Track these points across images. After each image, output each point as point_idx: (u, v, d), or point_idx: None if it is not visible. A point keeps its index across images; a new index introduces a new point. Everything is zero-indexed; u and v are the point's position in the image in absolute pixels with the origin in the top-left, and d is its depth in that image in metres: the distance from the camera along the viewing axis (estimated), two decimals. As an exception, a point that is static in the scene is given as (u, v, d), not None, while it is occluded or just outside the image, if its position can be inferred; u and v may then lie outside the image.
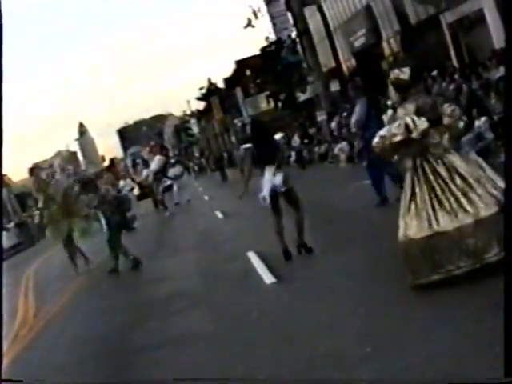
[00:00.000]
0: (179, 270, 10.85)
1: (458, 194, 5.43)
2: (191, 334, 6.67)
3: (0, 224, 22.31)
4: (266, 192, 8.35)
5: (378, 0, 29.60)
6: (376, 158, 7.77)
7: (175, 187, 24.78)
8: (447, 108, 5.81)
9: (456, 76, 19.25)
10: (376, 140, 5.89)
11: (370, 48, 31.75)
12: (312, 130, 31.73)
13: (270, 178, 8.33)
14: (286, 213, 8.67)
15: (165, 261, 11.81)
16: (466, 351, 4.13)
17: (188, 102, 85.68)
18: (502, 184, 5.49)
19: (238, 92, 59.94)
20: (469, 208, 5.36)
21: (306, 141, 29.72)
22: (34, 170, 15.63)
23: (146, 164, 32.32)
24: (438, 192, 5.49)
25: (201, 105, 78.54)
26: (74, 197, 15.55)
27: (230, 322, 6.62)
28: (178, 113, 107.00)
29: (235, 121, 63.10)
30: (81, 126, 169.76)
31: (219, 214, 17.03)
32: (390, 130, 5.73)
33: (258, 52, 45.21)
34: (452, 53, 24.26)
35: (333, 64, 37.50)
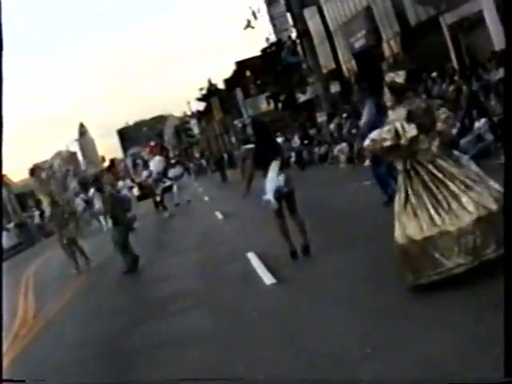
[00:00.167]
0: (179, 270, 10.85)
1: (455, 193, 5.45)
2: (191, 334, 6.68)
3: (0, 224, 22.33)
4: (270, 194, 8.27)
5: (378, 1, 29.63)
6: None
7: (175, 188, 24.80)
8: (441, 114, 5.81)
9: (456, 77, 19.28)
10: (367, 143, 5.93)
11: (370, 49, 31.77)
12: (312, 131, 31.75)
13: (274, 180, 8.27)
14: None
15: (165, 261, 11.83)
16: (466, 351, 4.13)
17: (188, 102, 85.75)
18: (496, 185, 5.56)
19: (238, 93, 59.94)
20: (467, 207, 5.38)
21: (306, 142, 29.74)
22: (34, 171, 15.82)
23: (146, 165, 32.43)
24: (435, 192, 5.51)
25: (201, 105, 78.58)
26: (64, 199, 15.74)
27: (229, 323, 6.63)
28: (178, 113, 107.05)
29: (235, 121, 63.13)
30: (81, 126, 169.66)
31: (219, 215, 17.05)
32: (381, 134, 5.76)
33: (258, 53, 45.29)
34: (452, 54, 24.28)
35: (333, 65, 37.52)
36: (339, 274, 7.12)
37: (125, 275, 11.76)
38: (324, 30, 37.31)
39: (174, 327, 7.16)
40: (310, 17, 37.00)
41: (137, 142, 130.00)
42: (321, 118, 31.27)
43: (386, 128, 5.75)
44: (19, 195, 50.18)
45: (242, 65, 59.13)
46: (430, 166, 5.61)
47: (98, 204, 24.71)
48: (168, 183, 24.50)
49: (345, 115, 27.67)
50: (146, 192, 28.95)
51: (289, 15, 37.71)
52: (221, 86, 69.54)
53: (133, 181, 34.30)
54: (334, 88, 35.63)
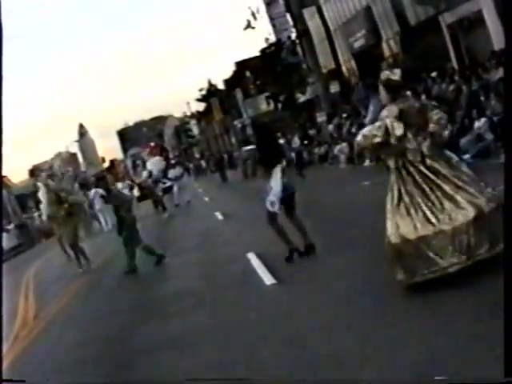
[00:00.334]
0: (179, 271, 10.85)
1: (448, 193, 5.47)
2: (191, 334, 6.68)
3: (0, 225, 22.34)
4: (275, 197, 8.22)
5: (377, 1, 29.62)
6: None
7: (175, 188, 24.81)
8: (434, 115, 5.82)
9: (456, 77, 19.28)
10: (359, 138, 5.96)
11: (369, 49, 31.77)
12: (312, 131, 31.76)
13: (279, 181, 8.23)
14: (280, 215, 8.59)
15: (165, 262, 11.81)
16: (466, 351, 4.13)
17: (188, 103, 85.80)
18: (488, 187, 5.62)
19: (238, 93, 59.97)
20: (461, 206, 5.40)
21: (305, 142, 29.76)
22: (33, 172, 15.74)
23: (146, 165, 32.40)
24: (428, 192, 5.53)
25: (201, 106, 78.65)
26: (72, 197, 15.53)
27: (230, 323, 6.62)
28: (178, 114, 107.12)
29: (235, 122, 63.17)
30: (81, 127, 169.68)
31: (219, 215, 17.05)
32: (372, 131, 5.78)
33: (257, 53, 45.32)
34: (451, 54, 24.27)
35: (332, 65, 37.51)
36: (339, 274, 7.12)
37: (125, 275, 11.68)
38: (323, 30, 37.29)
39: (174, 328, 7.15)
40: (310, 17, 37.00)
41: (137, 142, 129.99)
42: (320, 118, 31.28)
43: (377, 124, 5.78)
44: (19, 196, 50.19)
45: (241, 65, 59.17)
46: (421, 167, 5.63)
47: (98, 205, 24.76)
48: (168, 184, 24.50)
49: (345, 115, 27.70)
50: (145, 193, 28.95)
51: (288, 15, 37.75)
52: (220, 86, 69.63)
53: (132, 181, 34.29)
54: (334, 88, 35.60)
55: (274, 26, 44.62)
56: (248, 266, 9.07)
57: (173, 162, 34.81)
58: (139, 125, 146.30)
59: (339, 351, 4.86)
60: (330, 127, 28.09)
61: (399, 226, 5.54)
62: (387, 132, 5.64)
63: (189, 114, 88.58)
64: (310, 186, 16.95)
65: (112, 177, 31.29)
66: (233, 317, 6.84)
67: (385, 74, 5.96)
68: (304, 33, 33.84)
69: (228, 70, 76.87)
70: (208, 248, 12.52)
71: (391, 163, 5.77)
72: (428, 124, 5.75)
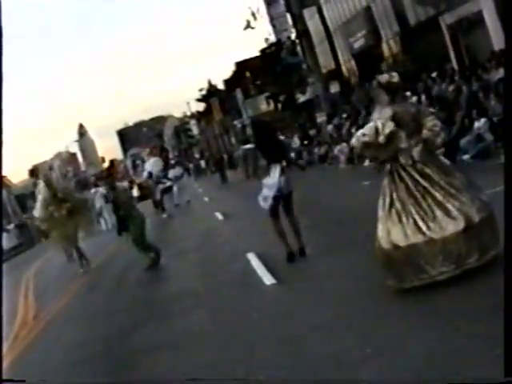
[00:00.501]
0: (179, 270, 10.85)
1: (440, 202, 5.51)
2: (191, 334, 6.68)
3: (0, 225, 22.31)
4: (270, 193, 8.22)
5: (377, 1, 29.63)
6: None
7: (175, 188, 24.80)
8: (429, 121, 5.82)
9: (456, 77, 19.28)
10: (353, 140, 6.00)
11: (369, 49, 31.78)
12: (312, 132, 31.75)
13: (277, 179, 8.23)
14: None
15: (165, 262, 11.81)
16: (466, 351, 4.13)
17: (188, 103, 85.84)
18: (480, 193, 5.68)
19: (238, 93, 59.96)
20: (452, 216, 5.44)
21: (305, 142, 29.75)
22: (33, 172, 15.63)
23: (146, 165, 32.36)
24: (419, 199, 5.56)
25: (201, 106, 78.63)
26: (76, 195, 15.43)
27: (229, 323, 6.63)
28: (177, 114, 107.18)
29: (235, 122, 63.14)
30: (81, 127, 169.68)
31: (219, 216, 17.05)
32: (363, 131, 5.80)
33: (257, 53, 45.30)
34: (451, 54, 24.28)
35: (332, 65, 37.53)
36: (339, 275, 7.12)
37: (147, 271, 11.42)
38: (324, 30, 37.32)
39: (174, 327, 7.15)
40: (310, 17, 37.01)
41: (136, 142, 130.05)
42: (320, 118, 31.27)
43: (369, 125, 5.82)
44: (19, 196, 50.14)
45: (241, 65, 59.16)
46: (414, 173, 5.65)
47: (98, 204, 24.74)
48: (168, 184, 24.50)
49: (344, 115, 27.70)
50: (145, 193, 28.95)
51: (288, 15, 37.74)
52: (220, 86, 69.61)
53: (131, 182, 34.28)
54: (334, 88, 35.63)
55: (274, 26, 44.62)
56: (248, 266, 9.07)
57: (173, 162, 34.81)
58: (139, 125, 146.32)
59: (339, 351, 4.86)
60: (330, 127, 28.09)
61: (390, 233, 5.60)
62: (377, 132, 5.66)
63: (189, 114, 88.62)
64: (310, 185, 16.95)
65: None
66: (233, 317, 6.84)
67: (384, 77, 5.99)
68: (304, 33, 33.84)
69: (228, 70, 76.84)
70: (208, 248, 12.52)
71: (387, 167, 5.78)
72: (421, 130, 5.77)
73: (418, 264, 5.44)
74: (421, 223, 5.47)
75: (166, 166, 26.68)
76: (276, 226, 8.48)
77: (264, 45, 42.47)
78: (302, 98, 40.11)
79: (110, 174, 14.31)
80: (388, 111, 5.77)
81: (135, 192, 32.50)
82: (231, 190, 27.95)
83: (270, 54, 41.80)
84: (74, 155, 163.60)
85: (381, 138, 5.64)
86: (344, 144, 22.67)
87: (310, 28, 35.98)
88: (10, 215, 44.31)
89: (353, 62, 34.79)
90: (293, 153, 27.97)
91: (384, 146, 5.68)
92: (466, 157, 13.67)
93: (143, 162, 38.91)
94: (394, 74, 6.11)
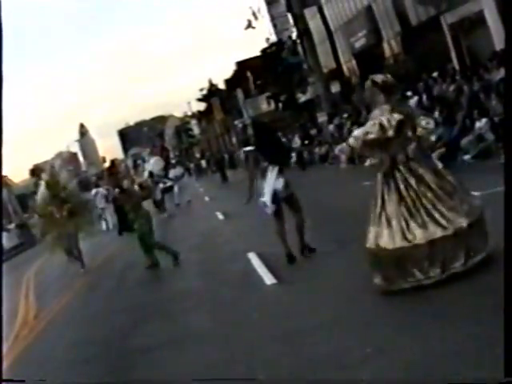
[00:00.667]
0: (180, 270, 10.84)
1: (429, 206, 5.56)
2: (192, 334, 6.68)
3: (0, 225, 22.29)
4: (267, 197, 8.21)
5: (378, 1, 29.62)
6: None
7: (176, 188, 24.80)
8: (422, 119, 5.91)
9: (457, 77, 19.27)
10: (350, 140, 6.00)
11: (370, 49, 31.77)
12: (313, 131, 31.75)
13: (272, 182, 8.21)
14: (287, 215, 8.62)
15: (165, 262, 11.80)
16: (466, 351, 4.13)
17: (189, 103, 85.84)
18: (470, 197, 5.75)
19: (239, 93, 59.97)
20: (440, 221, 5.49)
21: (306, 142, 29.74)
22: (34, 171, 15.55)
23: (147, 165, 32.33)
24: (409, 204, 5.60)
25: (201, 106, 78.65)
26: (78, 196, 15.37)
27: (230, 323, 6.62)
28: (178, 114, 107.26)
29: (236, 122, 63.15)
30: (81, 126, 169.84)
31: (220, 215, 17.05)
32: (364, 130, 5.80)
33: (258, 53, 45.28)
34: (453, 54, 24.27)
35: (333, 65, 37.53)
36: (340, 274, 7.12)
37: (148, 271, 11.25)
38: (325, 30, 37.32)
39: (175, 327, 7.15)
40: (311, 17, 37.00)
41: (137, 142, 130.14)
42: (321, 118, 31.27)
43: (369, 123, 5.82)
44: (20, 196, 50.12)
45: (242, 65, 59.18)
46: (407, 174, 5.68)
47: (99, 204, 24.74)
48: (169, 183, 24.50)
49: (345, 115, 27.68)
50: (145, 192, 28.92)
51: (289, 15, 37.71)
52: (221, 86, 69.63)
53: (132, 181, 34.26)
54: (335, 88, 35.63)
55: (274, 25, 44.62)
56: (248, 265, 9.07)
57: (173, 161, 34.83)
58: (140, 124, 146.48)
59: (340, 351, 4.85)
60: (331, 127, 28.08)
61: (379, 235, 5.66)
62: (382, 128, 5.67)
63: (189, 113, 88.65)
64: (311, 185, 16.94)
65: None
66: (233, 316, 6.84)
67: (379, 78, 6.04)
68: (305, 33, 33.80)
69: (229, 70, 76.79)
70: (208, 248, 12.52)
71: (387, 169, 5.78)
72: (415, 128, 5.82)
73: (405, 267, 5.52)
74: (409, 228, 5.53)
75: (167, 166, 26.69)
76: (276, 227, 8.46)
77: (265, 44, 42.48)
78: (302, 98, 40.11)
79: (113, 173, 14.04)
80: (387, 107, 5.81)
81: (136, 192, 32.45)
82: (232, 190, 27.93)
83: (271, 53, 41.78)
84: (74, 155, 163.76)
85: (390, 132, 5.66)
86: (345, 144, 22.67)
87: (310, 28, 35.94)
88: (10, 215, 44.31)
89: (354, 62, 34.78)
90: (293, 153, 28.01)
91: (392, 140, 5.69)
92: (467, 157, 13.67)
93: (144, 161, 38.88)
94: (388, 75, 6.18)
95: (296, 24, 34.98)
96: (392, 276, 5.60)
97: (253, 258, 9.41)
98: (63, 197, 13.92)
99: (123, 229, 20.24)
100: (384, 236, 5.62)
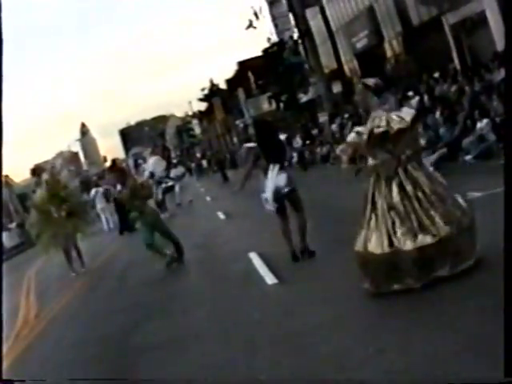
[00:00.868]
0: (180, 270, 10.85)
1: (420, 213, 5.57)
2: (192, 334, 6.68)
3: (0, 224, 22.25)
4: (269, 194, 8.24)
5: (380, 1, 29.60)
6: None
7: (177, 188, 24.81)
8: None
9: (458, 78, 19.26)
10: (352, 135, 6.00)
11: (372, 49, 31.76)
12: (314, 131, 31.75)
13: (273, 179, 8.24)
14: (290, 214, 8.62)
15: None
16: (466, 351, 4.13)
17: (190, 102, 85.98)
18: (460, 201, 5.76)
19: (240, 93, 59.99)
20: (429, 228, 5.51)
21: (307, 142, 29.74)
22: (35, 171, 15.42)
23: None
24: (400, 209, 5.61)
25: (203, 106, 78.72)
26: (77, 196, 15.30)
27: (231, 323, 6.63)
28: (179, 114, 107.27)
29: (237, 122, 63.18)
30: (83, 126, 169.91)
31: (221, 215, 17.06)
32: (373, 124, 5.78)
33: (260, 53, 45.29)
34: (454, 54, 24.26)
35: (335, 65, 37.51)
36: (341, 274, 7.11)
37: (167, 268, 10.92)
38: (326, 30, 37.29)
39: (175, 327, 7.16)
40: (312, 17, 36.99)
41: (138, 142, 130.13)
42: (322, 118, 31.28)
43: (376, 120, 5.78)
44: (21, 195, 50.13)
45: (243, 65, 59.23)
46: (404, 178, 5.68)
47: (99, 204, 24.75)
48: (170, 183, 24.51)
49: (347, 115, 27.67)
50: (146, 192, 28.90)
51: (291, 15, 37.72)
52: (222, 86, 69.68)
53: (133, 181, 34.22)
54: (336, 88, 35.62)
55: (276, 25, 44.64)
56: (250, 265, 9.07)
57: (174, 161, 34.83)
58: (141, 124, 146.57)
59: (341, 351, 4.86)
60: (334, 126, 28.06)
61: (368, 239, 5.69)
62: (388, 124, 5.69)
63: (191, 113, 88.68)
64: (312, 185, 16.93)
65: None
66: (234, 316, 6.84)
67: (369, 81, 6.06)
68: (306, 33, 33.79)
69: (230, 70, 76.83)
70: (210, 247, 12.52)
71: (389, 171, 5.78)
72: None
73: (393, 271, 5.55)
74: (398, 233, 5.55)
75: (168, 166, 26.69)
76: (281, 225, 8.46)
77: (266, 44, 42.49)
78: (304, 98, 40.11)
79: (119, 169, 13.41)
80: (386, 107, 5.87)
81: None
82: (231, 189, 27.92)
83: (273, 53, 41.79)
84: (75, 154, 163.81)
85: (404, 124, 5.66)
86: (345, 142, 22.67)
87: (312, 28, 35.94)
88: (11, 214, 44.35)
89: (355, 62, 34.76)
90: (294, 153, 28.00)
91: (401, 136, 5.69)
92: (468, 157, 13.67)
93: (145, 161, 38.82)
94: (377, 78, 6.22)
95: (297, 24, 34.97)
96: (380, 279, 5.64)
97: (254, 257, 9.41)
98: (63, 196, 13.81)
99: (124, 228, 20.26)
100: (372, 240, 5.65)
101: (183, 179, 26.14)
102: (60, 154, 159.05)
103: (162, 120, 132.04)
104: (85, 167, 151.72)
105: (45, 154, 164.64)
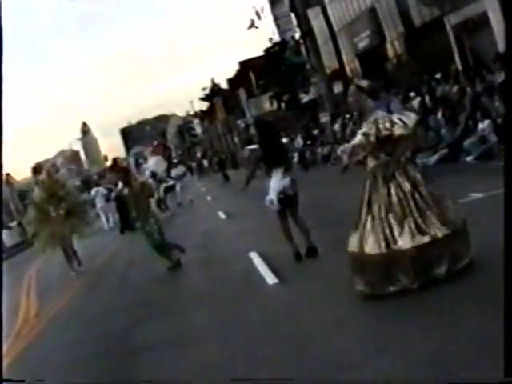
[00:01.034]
0: (181, 270, 10.84)
1: (416, 214, 5.57)
2: (193, 334, 6.68)
3: (0, 223, 22.23)
4: (273, 195, 8.23)
5: (382, 1, 29.59)
6: None
7: (178, 187, 24.82)
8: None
9: (460, 78, 19.25)
10: (359, 138, 5.98)
11: (373, 49, 31.75)
12: (315, 132, 31.75)
13: (278, 181, 8.25)
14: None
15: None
16: (466, 351, 4.13)
17: (191, 102, 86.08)
18: (454, 204, 5.80)
19: (242, 93, 60.00)
20: (426, 229, 5.52)
21: (308, 142, 29.75)
22: (36, 169, 15.38)
23: (149, 164, 32.31)
24: (397, 210, 5.61)
25: (204, 105, 78.80)
26: (76, 195, 15.25)
27: (232, 323, 6.63)
28: (181, 113, 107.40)
29: (238, 121, 63.18)
30: (84, 125, 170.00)
31: (222, 215, 17.06)
32: (378, 126, 5.78)
33: (261, 53, 45.32)
34: (456, 55, 24.25)
35: (336, 65, 37.50)
36: (342, 274, 7.10)
37: (169, 271, 10.74)
38: (328, 31, 37.29)
39: (176, 327, 7.16)
40: (314, 17, 36.99)
41: (140, 141, 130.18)
42: (324, 118, 31.29)
43: (380, 122, 5.80)
44: (22, 194, 50.17)
45: (245, 65, 59.26)
46: (402, 180, 5.69)
47: (99, 203, 24.77)
48: (171, 182, 24.52)
49: (348, 116, 27.66)
50: (146, 192, 28.92)
51: (293, 15, 37.74)
52: (224, 85, 69.73)
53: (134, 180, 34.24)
54: (338, 88, 35.60)
55: (278, 25, 44.65)
56: (250, 265, 9.08)
57: (175, 161, 34.86)
58: (142, 123, 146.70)
59: (341, 351, 4.85)
60: (335, 126, 28.06)
61: (364, 240, 5.67)
62: (392, 126, 5.71)
63: (192, 113, 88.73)
64: (312, 186, 16.93)
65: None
66: (235, 316, 6.84)
67: (363, 83, 6.10)
68: (308, 33, 33.81)
69: (232, 70, 76.83)
70: (210, 247, 12.52)
71: (388, 171, 5.78)
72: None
73: (389, 272, 5.54)
74: (394, 234, 5.55)
75: (169, 165, 26.70)
76: (283, 226, 8.48)
77: (268, 44, 42.55)
78: (305, 98, 40.12)
79: (123, 168, 13.14)
80: (396, 101, 5.93)
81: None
82: (234, 190, 27.94)
83: (274, 53, 41.81)
84: (76, 153, 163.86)
85: (408, 128, 5.68)
86: (347, 144, 22.67)
87: (314, 28, 35.96)
88: (12, 212, 44.38)
89: (357, 63, 34.76)
90: (296, 153, 28.02)
91: (402, 139, 5.73)
92: (469, 158, 13.67)
93: (146, 160, 38.85)
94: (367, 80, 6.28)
95: (299, 24, 34.99)
96: (375, 280, 5.62)
97: (255, 257, 9.41)
98: (61, 195, 13.73)
99: (125, 228, 20.26)
100: (369, 241, 5.62)
101: (184, 179, 26.15)
102: (61, 153, 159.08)
103: (163, 119, 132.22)
104: (86, 166, 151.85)
105: (46, 152, 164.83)
